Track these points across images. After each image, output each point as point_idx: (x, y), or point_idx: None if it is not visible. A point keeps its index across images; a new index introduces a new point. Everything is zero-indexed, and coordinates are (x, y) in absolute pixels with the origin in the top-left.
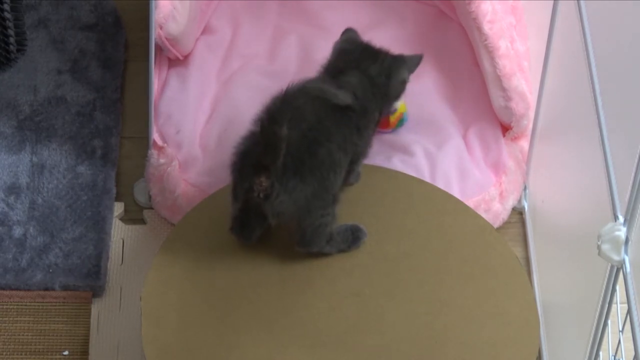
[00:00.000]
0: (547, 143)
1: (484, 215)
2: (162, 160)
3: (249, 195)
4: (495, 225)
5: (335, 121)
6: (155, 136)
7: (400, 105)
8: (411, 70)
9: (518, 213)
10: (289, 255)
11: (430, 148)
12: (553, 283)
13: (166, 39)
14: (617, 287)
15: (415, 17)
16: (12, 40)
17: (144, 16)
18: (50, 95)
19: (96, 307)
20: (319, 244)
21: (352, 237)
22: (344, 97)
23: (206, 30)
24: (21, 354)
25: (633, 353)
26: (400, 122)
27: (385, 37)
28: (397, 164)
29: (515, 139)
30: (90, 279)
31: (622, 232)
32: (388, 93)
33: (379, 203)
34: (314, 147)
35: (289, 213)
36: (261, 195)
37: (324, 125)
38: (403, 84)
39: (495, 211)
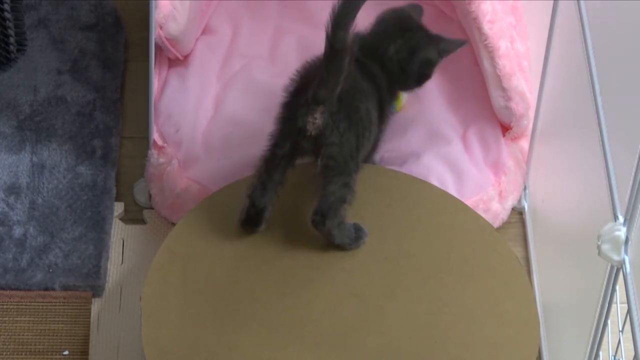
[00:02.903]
0: (547, 143)
1: (483, 215)
2: (161, 160)
3: (301, 136)
4: (495, 225)
5: (368, 86)
6: (155, 136)
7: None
8: (444, 54)
9: (518, 213)
10: (289, 255)
11: (428, 147)
12: (553, 283)
13: (166, 38)
14: (617, 287)
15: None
16: (12, 40)
17: (144, 16)
18: (50, 95)
19: (96, 307)
20: (333, 219)
21: (355, 235)
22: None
23: (206, 30)
24: (21, 354)
25: (633, 353)
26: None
27: None
28: (395, 163)
29: (515, 139)
30: (90, 279)
31: (622, 232)
32: (407, 72)
33: (379, 203)
34: (356, 102)
35: (337, 157)
36: (314, 132)
37: (362, 86)
38: (428, 64)
39: (495, 211)
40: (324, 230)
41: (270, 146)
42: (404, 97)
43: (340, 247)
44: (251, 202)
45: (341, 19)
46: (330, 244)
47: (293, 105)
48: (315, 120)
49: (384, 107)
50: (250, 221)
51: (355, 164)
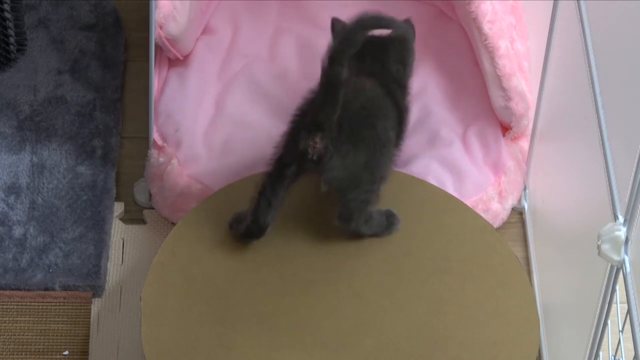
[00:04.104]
0: (547, 143)
1: (483, 215)
2: (161, 160)
3: (304, 158)
4: (495, 225)
5: (387, 101)
6: (155, 136)
7: None
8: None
9: (518, 213)
10: (289, 255)
11: (428, 148)
12: (553, 283)
13: (166, 39)
14: (617, 287)
15: (415, 17)
16: (12, 40)
17: (144, 16)
18: (50, 95)
19: (96, 307)
20: (358, 221)
21: (387, 222)
22: (400, 25)
23: (206, 30)
24: (21, 354)
25: (633, 353)
26: None
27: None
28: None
29: (515, 138)
30: (90, 279)
31: (622, 232)
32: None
33: (379, 203)
34: (372, 120)
35: (340, 179)
36: (315, 157)
37: (381, 103)
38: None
39: (495, 211)
40: (350, 231)
41: (276, 163)
42: None
43: (375, 233)
44: (254, 219)
45: (338, 56)
46: (335, 244)
47: (297, 126)
48: (316, 145)
49: (402, 115)
50: (251, 236)
51: (373, 175)
